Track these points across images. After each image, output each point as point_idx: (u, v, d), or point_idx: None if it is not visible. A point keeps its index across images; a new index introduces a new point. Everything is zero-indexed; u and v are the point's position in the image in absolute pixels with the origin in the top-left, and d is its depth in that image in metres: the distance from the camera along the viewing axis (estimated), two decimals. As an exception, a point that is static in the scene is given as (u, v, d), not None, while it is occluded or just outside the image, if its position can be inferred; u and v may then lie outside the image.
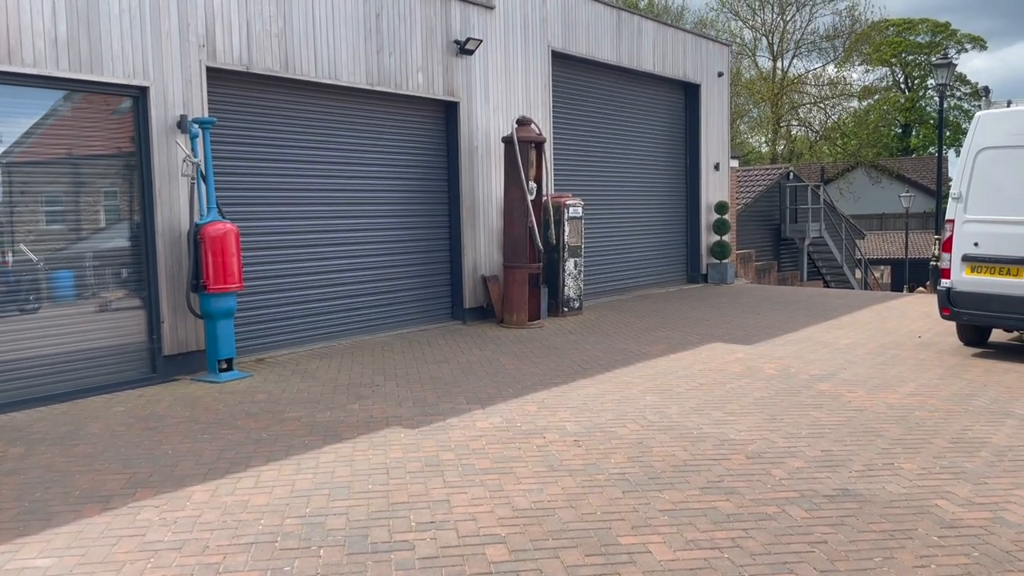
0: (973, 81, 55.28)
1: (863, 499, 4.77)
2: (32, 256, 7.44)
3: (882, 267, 35.89)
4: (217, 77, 8.80)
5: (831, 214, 27.35)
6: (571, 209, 12.27)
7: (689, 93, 16.91)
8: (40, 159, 7.57)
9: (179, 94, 8.31)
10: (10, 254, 7.30)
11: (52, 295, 7.61)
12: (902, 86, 55.95)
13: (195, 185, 8.32)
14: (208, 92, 8.63)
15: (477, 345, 10.02)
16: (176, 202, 8.32)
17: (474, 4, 11.74)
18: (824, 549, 4.10)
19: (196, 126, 8.27)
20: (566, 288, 12.36)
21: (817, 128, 44.50)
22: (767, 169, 28.42)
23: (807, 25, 41.04)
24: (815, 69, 42.87)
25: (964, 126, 51.92)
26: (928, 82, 53.52)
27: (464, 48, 11.36)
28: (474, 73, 11.72)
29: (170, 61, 8.23)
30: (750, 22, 41.14)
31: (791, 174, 27.32)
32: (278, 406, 7.10)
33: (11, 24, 7.09)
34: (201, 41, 8.50)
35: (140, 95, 8.05)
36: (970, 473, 5.22)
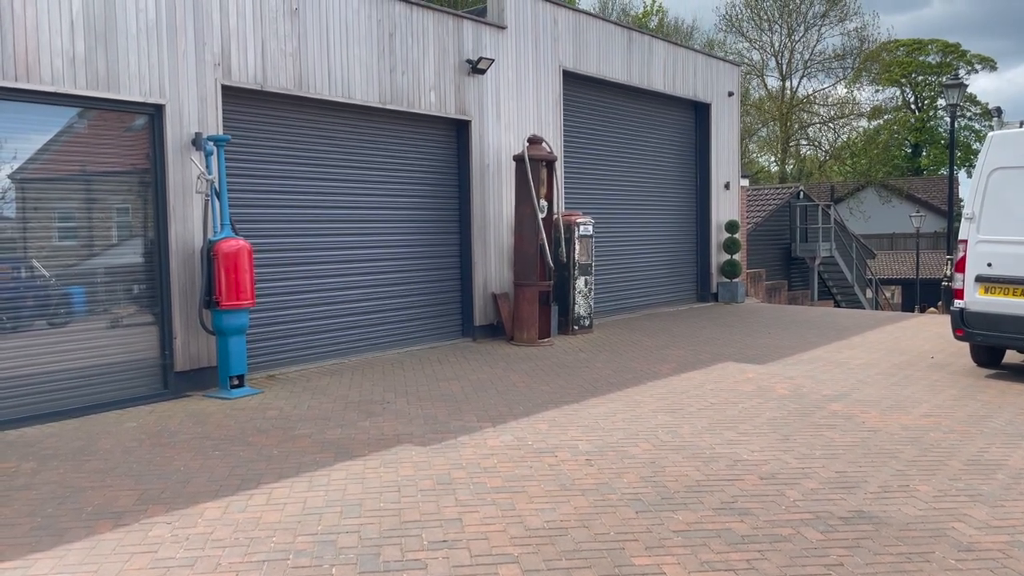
0: (983, 101, 55.35)
1: (879, 521, 4.73)
2: (45, 272, 7.49)
3: (893, 287, 35.74)
4: (232, 95, 8.88)
5: (841, 234, 27.30)
6: (582, 227, 12.29)
7: (699, 112, 16.96)
8: (55, 175, 7.63)
9: (194, 112, 8.38)
10: (23, 269, 7.35)
11: (64, 311, 7.64)
12: (912, 106, 55.96)
13: (209, 202, 8.37)
14: (223, 110, 8.71)
15: (487, 363, 10.01)
16: (190, 219, 8.37)
17: (486, 24, 11.83)
18: (841, 572, 4.06)
19: (211, 144, 8.33)
20: (576, 306, 12.35)
21: (826, 148, 44.50)
22: (777, 188, 28.43)
23: (815, 45, 41.18)
24: (824, 88, 42.92)
25: (974, 146, 51.89)
26: (938, 102, 53.54)
27: (476, 67, 11.43)
28: (486, 92, 11.79)
29: (186, 79, 8.31)
30: (757, 42, 41.30)
31: (801, 193, 27.31)
32: (289, 423, 7.10)
33: (30, 43, 7.18)
34: (216, 60, 8.57)
35: (156, 113, 8.12)
36: (987, 496, 5.18)
